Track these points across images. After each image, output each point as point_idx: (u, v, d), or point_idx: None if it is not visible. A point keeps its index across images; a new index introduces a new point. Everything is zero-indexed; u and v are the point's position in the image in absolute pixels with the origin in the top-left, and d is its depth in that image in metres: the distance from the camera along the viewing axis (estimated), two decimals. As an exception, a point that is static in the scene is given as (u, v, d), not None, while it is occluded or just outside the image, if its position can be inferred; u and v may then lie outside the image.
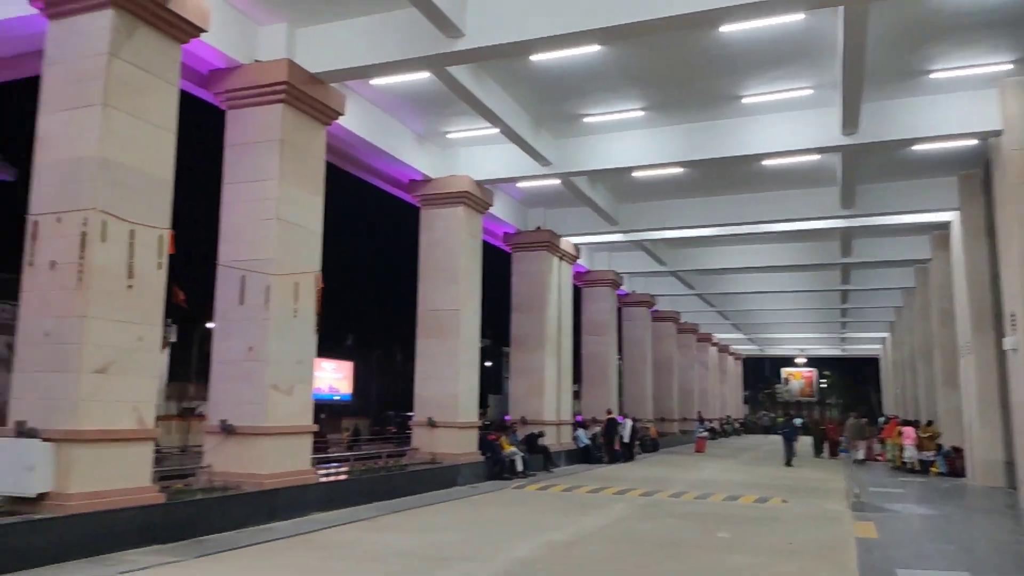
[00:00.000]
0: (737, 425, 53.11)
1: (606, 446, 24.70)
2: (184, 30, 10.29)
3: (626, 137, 17.00)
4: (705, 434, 33.81)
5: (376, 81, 13.88)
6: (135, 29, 9.59)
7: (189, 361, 37.95)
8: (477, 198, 18.53)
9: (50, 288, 9.12)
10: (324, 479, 13.30)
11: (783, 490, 17.13)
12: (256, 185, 12.23)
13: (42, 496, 8.56)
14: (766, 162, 17.43)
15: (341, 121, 13.82)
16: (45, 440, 8.66)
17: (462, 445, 17.80)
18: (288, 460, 12.12)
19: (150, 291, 9.77)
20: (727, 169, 18.53)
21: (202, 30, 10.52)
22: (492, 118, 14.81)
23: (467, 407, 18.20)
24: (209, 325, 40.22)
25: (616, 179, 20.31)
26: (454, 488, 16.39)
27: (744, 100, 15.12)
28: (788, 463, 24.84)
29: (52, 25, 9.65)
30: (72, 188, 9.17)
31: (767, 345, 59.45)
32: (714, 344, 50.95)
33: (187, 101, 11.10)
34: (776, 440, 30.56)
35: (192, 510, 10.11)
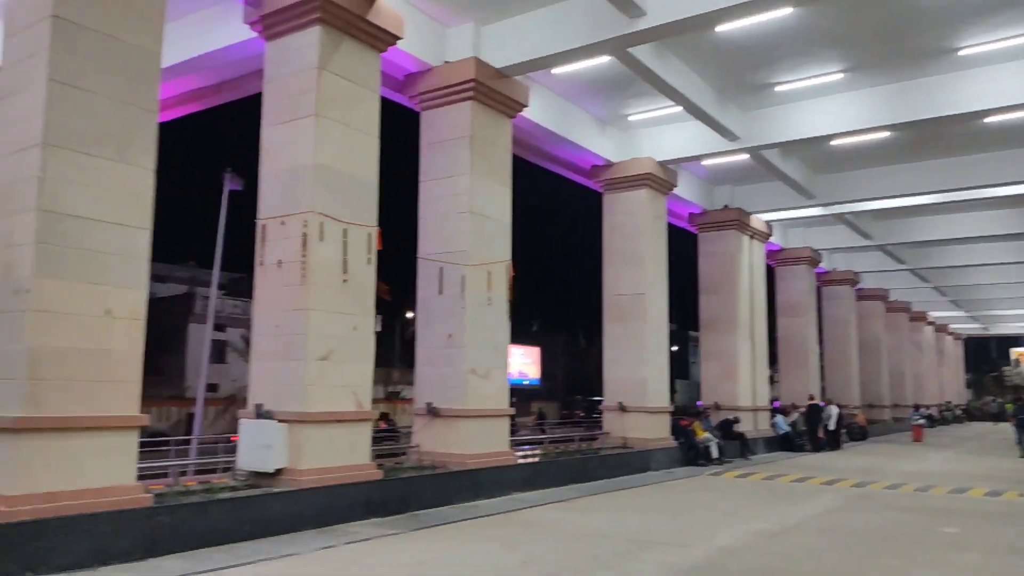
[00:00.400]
0: (958, 412, 48.13)
1: (809, 433, 23.40)
2: (382, 39, 10.96)
3: (823, 103, 15.88)
4: (922, 421, 30.97)
5: (557, 70, 13.99)
6: (340, 43, 10.36)
7: (392, 348, 40.71)
8: (660, 179, 18.17)
9: (278, 285, 10.12)
10: (522, 460, 13.74)
11: (1020, 483, 15.32)
12: (449, 181, 12.82)
13: (278, 471, 9.54)
14: (989, 119, 15.53)
15: (524, 112, 14.10)
16: (280, 421, 9.66)
17: (654, 430, 17.63)
18: (488, 441, 12.64)
19: (362, 284, 10.56)
20: (942, 130, 16.75)
21: (398, 38, 11.14)
22: (675, 96, 14.44)
23: (657, 392, 17.98)
24: (409, 315, 42.84)
25: (811, 149, 19.03)
26: (648, 473, 16.30)
27: (961, 52, 13.58)
28: (1024, 454, 22.16)
29: (269, 46, 10.67)
30: (293, 193, 10.10)
31: (993, 323, 53.13)
32: (929, 323, 46.37)
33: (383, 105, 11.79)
34: (1005, 429, 27.37)
35: (405, 486, 10.86)
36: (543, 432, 24.28)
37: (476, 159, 12.75)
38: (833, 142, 17.24)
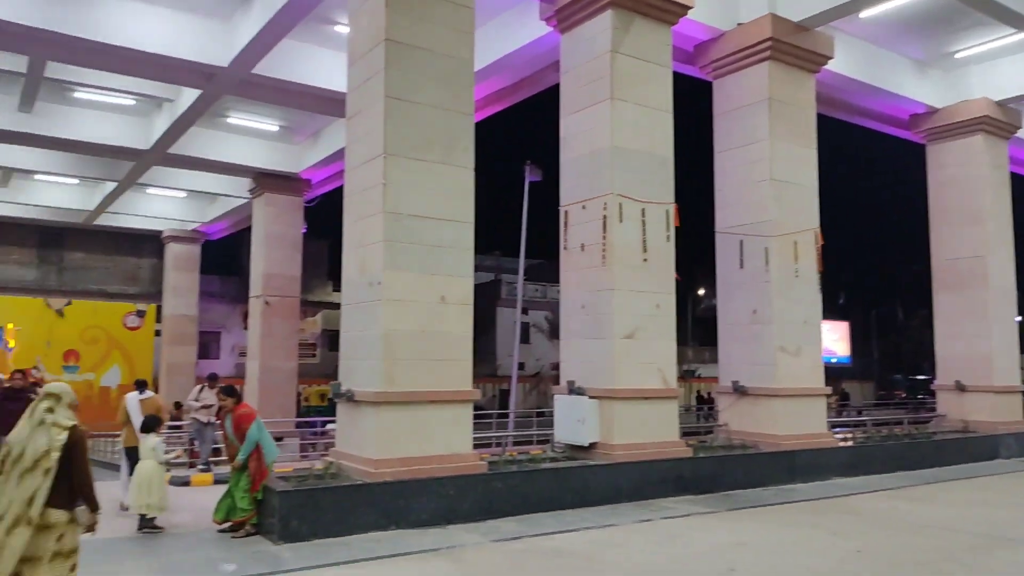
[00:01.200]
0: None
1: None
2: (673, 12, 10.78)
3: None
4: None
5: (865, 13, 12.62)
6: (631, 23, 10.40)
7: (685, 326, 40.32)
8: (999, 122, 15.62)
9: (582, 267, 10.52)
10: (842, 444, 12.77)
11: None
12: (747, 149, 12.27)
13: (592, 445, 9.96)
14: None
15: (827, 65, 12.94)
16: (591, 397, 10.06)
17: (1001, 412, 15.32)
18: (803, 421, 11.96)
19: (662, 262, 10.57)
20: None
21: (688, 7, 10.88)
22: (1018, 21, 12.26)
23: (1004, 368, 15.60)
24: (700, 291, 41.92)
25: None
26: (996, 461, 14.29)
27: None
28: None
29: (564, 38, 11.07)
30: (592, 178, 10.40)
31: None
32: None
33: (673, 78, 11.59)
34: None
35: (715, 465, 10.71)
36: (859, 413, 22.38)
37: (775, 122, 12.05)
38: None
